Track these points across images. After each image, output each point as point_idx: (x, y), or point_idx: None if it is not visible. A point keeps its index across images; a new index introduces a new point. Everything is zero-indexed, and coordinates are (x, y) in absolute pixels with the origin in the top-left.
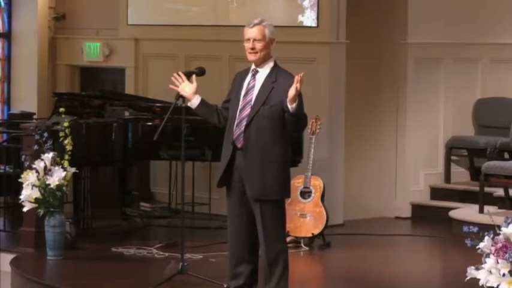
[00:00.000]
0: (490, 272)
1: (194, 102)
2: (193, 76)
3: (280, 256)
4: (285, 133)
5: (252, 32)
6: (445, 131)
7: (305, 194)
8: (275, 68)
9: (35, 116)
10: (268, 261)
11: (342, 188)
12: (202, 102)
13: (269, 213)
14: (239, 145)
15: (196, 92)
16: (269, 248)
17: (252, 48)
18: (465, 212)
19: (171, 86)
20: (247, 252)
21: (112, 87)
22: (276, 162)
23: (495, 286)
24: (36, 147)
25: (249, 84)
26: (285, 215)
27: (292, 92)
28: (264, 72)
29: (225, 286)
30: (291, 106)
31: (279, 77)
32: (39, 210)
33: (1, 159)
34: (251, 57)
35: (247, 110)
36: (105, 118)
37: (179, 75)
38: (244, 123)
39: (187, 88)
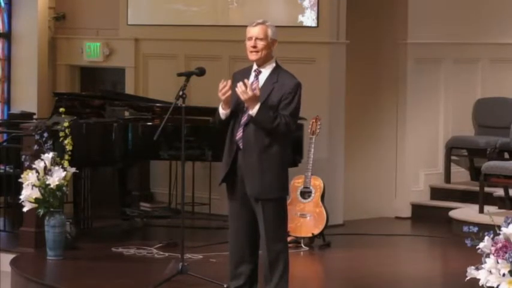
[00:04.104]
0: (490, 272)
1: (229, 111)
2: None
3: (281, 256)
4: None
5: (254, 31)
6: (445, 131)
7: (305, 194)
8: (277, 69)
9: (35, 116)
10: (269, 261)
11: (342, 188)
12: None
13: (271, 212)
14: (241, 145)
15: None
16: (270, 247)
17: (254, 47)
18: (465, 212)
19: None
20: (248, 252)
21: (112, 87)
22: (275, 161)
23: (495, 286)
24: (36, 147)
25: (252, 85)
26: (287, 215)
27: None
28: (266, 72)
29: (225, 286)
30: (249, 112)
31: (280, 78)
32: (39, 210)
33: (1, 159)
34: (252, 56)
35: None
36: (105, 118)
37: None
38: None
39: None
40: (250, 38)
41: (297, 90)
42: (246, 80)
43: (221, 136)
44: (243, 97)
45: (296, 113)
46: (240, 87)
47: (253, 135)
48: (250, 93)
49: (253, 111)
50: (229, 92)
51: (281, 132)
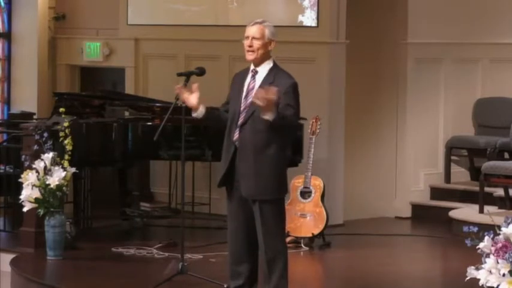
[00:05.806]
0: (490, 272)
1: (200, 111)
2: (196, 85)
3: (279, 256)
4: (281, 133)
5: (251, 30)
6: (445, 131)
7: (305, 194)
8: (274, 69)
9: (35, 116)
10: (267, 261)
11: (342, 188)
12: (207, 111)
13: (268, 212)
14: (238, 146)
15: (200, 101)
16: (268, 247)
17: (250, 46)
18: (465, 212)
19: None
20: (245, 251)
21: (112, 87)
22: (272, 162)
23: (495, 286)
24: (36, 147)
25: (249, 85)
26: (285, 215)
27: (260, 103)
28: (262, 72)
29: (225, 286)
30: (266, 118)
31: (276, 78)
32: (39, 210)
33: (1, 159)
34: (249, 56)
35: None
36: (105, 118)
37: (180, 89)
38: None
39: (192, 99)
40: (247, 38)
41: (293, 89)
42: (273, 87)
43: (221, 136)
44: (262, 103)
45: (295, 112)
46: (256, 94)
47: (249, 136)
48: (272, 95)
49: (271, 116)
50: (192, 97)
51: (293, 125)
